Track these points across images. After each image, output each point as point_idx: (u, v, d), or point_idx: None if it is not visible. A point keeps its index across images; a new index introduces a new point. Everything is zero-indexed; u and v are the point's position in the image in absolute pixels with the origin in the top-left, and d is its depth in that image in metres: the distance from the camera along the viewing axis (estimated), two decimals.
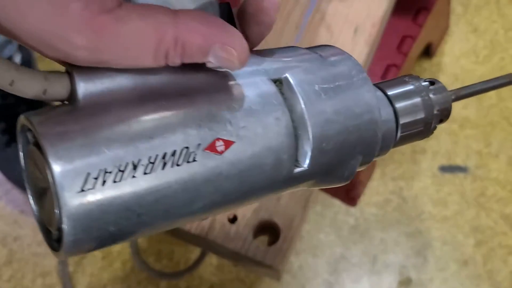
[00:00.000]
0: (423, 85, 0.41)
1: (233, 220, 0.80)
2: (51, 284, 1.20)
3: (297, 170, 0.35)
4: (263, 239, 0.81)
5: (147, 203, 0.30)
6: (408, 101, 0.40)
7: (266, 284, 1.19)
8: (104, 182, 0.29)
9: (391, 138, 0.40)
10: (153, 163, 0.30)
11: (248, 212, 0.79)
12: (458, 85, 1.38)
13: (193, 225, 0.79)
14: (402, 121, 0.40)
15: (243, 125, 0.32)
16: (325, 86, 0.35)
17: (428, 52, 1.32)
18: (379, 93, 0.40)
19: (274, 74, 0.35)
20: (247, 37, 0.36)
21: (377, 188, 1.25)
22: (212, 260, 1.20)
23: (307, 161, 0.35)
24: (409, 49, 1.06)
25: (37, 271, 1.21)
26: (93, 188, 0.29)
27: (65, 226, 0.29)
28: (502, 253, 1.19)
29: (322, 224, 1.23)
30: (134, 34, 0.30)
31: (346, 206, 1.24)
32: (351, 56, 0.38)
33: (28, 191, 0.34)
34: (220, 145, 0.32)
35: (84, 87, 0.31)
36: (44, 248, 1.20)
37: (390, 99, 0.40)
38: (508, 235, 1.20)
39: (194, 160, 0.31)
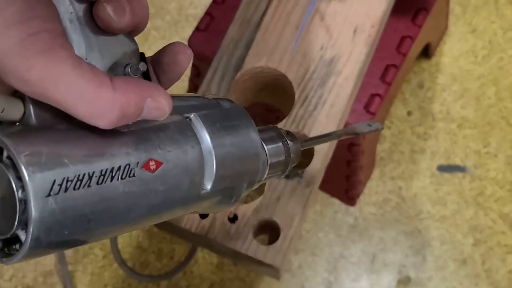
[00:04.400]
0: (282, 133, 0.51)
1: (233, 219, 0.80)
2: (52, 283, 1.20)
3: (203, 192, 0.42)
4: (263, 238, 0.82)
5: (97, 210, 0.36)
6: (274, 144, 0.50)
7: (266, 283, 1.19)
8: (66, 189, 0.34)
9: (263, 173, 0.48)
10: (104, 175, 0.36)
11: (248, 211, 0.80)
12: (457, 85, 1.38)
13: (193, 224, 0.80)
14: (270, 160, 0.49)
15: (169, 150, 0.40)
16: (224, 124, 0.44)
17: (427, 52, 1.32)
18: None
19: (185, 112, 0.43)
20: (160, 82, 0.42)
21: (376, 188, 1.25)
22: (212, 259, 1.20)
23: (210, 185, 0.42)
24: (408, 49, 1.07)
25: (38, 270, 1.21)
26: (58, 193, 0.34)
27: (30, 227, 0.33)
28: (500, 252, 1.19)
29: (322, 223, 1.23)
30: (77, 84, 0.34)
31: (345, 205, 1.24)
32: (239, 105, 0.47)
33: None
34: (152, 165, 0.38)
35: (37, 110, 0.36)
36: None
37: (262, 142, 0.48)
38: (507, 234, 1.21)
39: (133, 175, 0.37)
